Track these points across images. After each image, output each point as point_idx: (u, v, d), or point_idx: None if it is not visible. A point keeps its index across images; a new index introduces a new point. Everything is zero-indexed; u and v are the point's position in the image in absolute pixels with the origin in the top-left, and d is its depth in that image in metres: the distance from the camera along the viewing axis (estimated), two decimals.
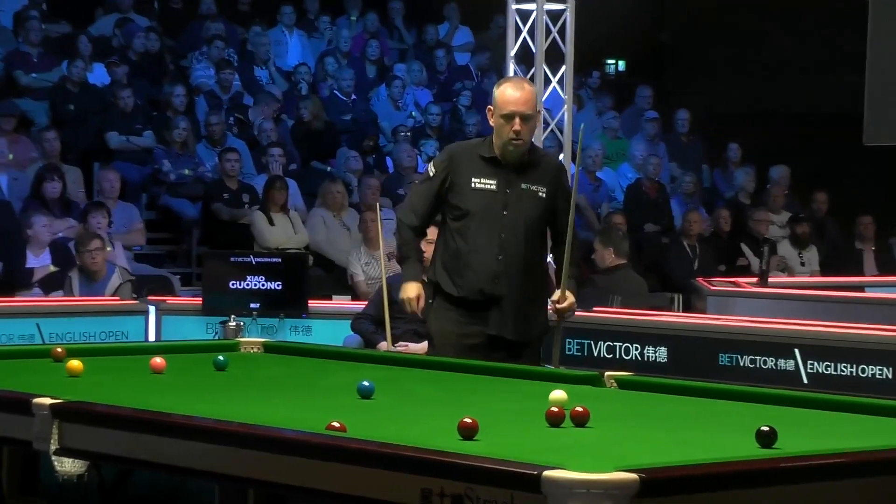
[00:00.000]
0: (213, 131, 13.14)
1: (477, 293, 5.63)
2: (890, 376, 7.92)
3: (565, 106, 10.87)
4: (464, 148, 5.85)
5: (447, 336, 5.71)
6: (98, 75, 13.71)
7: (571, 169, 12.02)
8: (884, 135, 14.27)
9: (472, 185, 5.64)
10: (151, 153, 12.86)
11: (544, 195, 5.70)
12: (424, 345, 8.15)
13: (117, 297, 9.81)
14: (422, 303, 5.79)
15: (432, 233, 7.44)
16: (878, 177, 15.02)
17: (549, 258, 6.07)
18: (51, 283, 10.22)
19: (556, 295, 5.76)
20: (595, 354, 8.91)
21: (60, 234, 11.04)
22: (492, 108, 5.64)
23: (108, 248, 10.36)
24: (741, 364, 8.30)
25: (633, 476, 2.99)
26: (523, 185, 5.64)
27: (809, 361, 8.16)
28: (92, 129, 13.01)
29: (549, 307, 5.81)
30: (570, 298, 5.78)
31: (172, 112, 13.14)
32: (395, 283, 8.47)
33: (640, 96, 16.03)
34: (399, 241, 5.94)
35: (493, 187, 5.62)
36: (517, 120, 5.54)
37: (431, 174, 5.75)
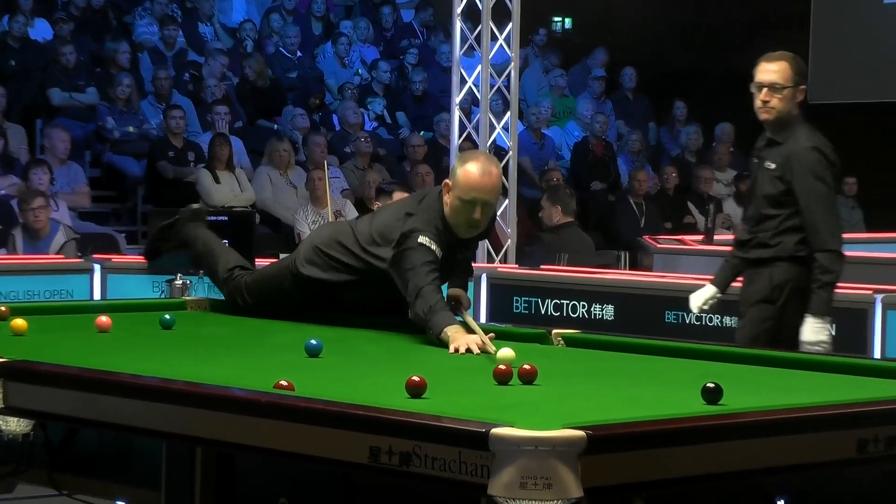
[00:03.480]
0: (162, 86, 13.02)
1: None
2: (833, 332, 7.99)
3: (512, 64, 10.85)
4: (435, 223, 5.07)
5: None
6: (40, 30, 13.54)
7: (519, 127, 12.06)
8: (828, 93, 14.38)
9: None
10: (95, 110, 12.73)
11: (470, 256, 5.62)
12: None
13: (62, 256, 9.74)
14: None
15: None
16: (823, 135, 15.10)
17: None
18: None
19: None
20: (542, 312, 8.94)
21: (3, 192, 10.93)
22: (450, 183, 4.99)
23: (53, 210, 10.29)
24: (687, 321, 8.35)
25: (581, 433, 3.00)
26: (459, 256, 5.27)
27: None
28: (34, 86, 12.87)
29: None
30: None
31: (116, 69, 13.01)
32: None
33: (593, 58, 16.04)
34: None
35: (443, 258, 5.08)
36: (479, 207, 5.01)
37: (439, 255, 4.96)
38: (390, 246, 5.03)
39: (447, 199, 5.00)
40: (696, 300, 6.19)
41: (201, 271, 5.94)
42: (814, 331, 5.75)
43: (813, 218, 5.76)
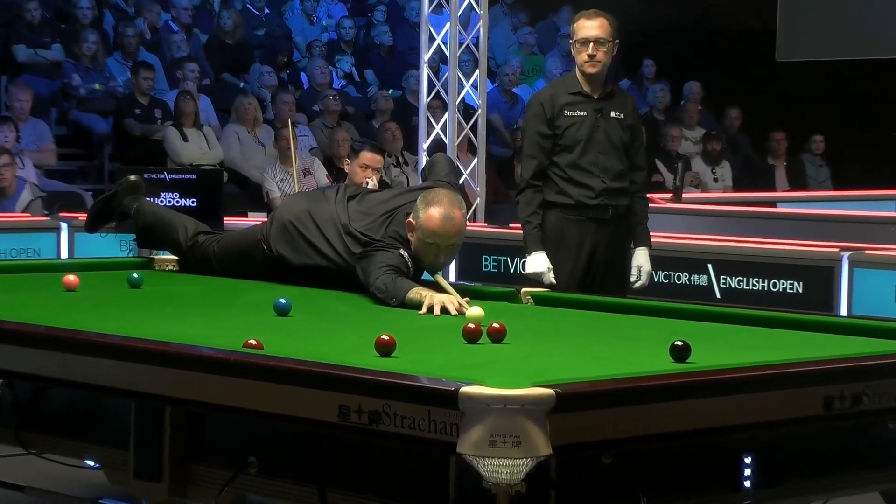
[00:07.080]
0: (129, 43, 12.90)
1: None
2: (800, 290, 8.04)
3: (480, 21, 10.81)
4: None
5: None
6: None
7: (489, 86, 12.03)
8: (796, 50, 14.40)
9: None
10: (61, 67, 12.63)
11: None
12: None
13: (28, 214, 9.68)
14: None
15: (369, 159, 7.30)
16: (791, 93, 15.15)
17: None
18: None
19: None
20: (511, 271, 8.95)
21: None
22: (413, 222, 4.91)
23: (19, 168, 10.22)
24: (655, 279, 8.33)
25: (550, 391, 3.01)
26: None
27: (722, 276, 8.26)
28: None
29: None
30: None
31: (80, 26, 12.88)
32: None
33: (559, 16, 15.99)
34: None
35: None
36: (441, 250, 4.94)
37: (407, 269, 4.98)
38: (362, 245, 4.99)
39: (411, 236, 4.93)
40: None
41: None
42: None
43: (645, 159, 6.30)
